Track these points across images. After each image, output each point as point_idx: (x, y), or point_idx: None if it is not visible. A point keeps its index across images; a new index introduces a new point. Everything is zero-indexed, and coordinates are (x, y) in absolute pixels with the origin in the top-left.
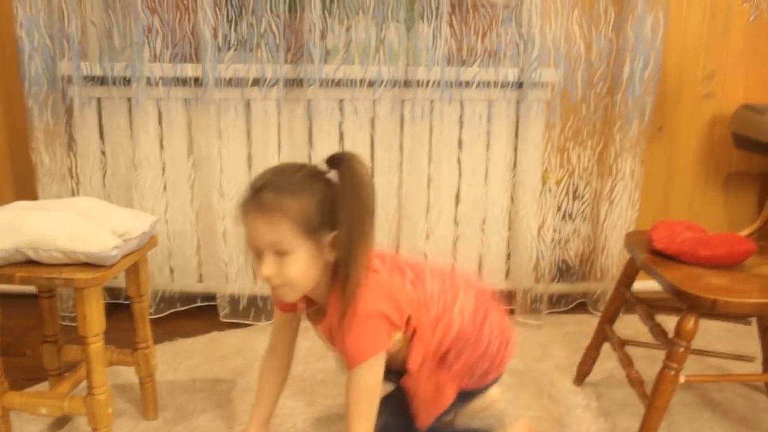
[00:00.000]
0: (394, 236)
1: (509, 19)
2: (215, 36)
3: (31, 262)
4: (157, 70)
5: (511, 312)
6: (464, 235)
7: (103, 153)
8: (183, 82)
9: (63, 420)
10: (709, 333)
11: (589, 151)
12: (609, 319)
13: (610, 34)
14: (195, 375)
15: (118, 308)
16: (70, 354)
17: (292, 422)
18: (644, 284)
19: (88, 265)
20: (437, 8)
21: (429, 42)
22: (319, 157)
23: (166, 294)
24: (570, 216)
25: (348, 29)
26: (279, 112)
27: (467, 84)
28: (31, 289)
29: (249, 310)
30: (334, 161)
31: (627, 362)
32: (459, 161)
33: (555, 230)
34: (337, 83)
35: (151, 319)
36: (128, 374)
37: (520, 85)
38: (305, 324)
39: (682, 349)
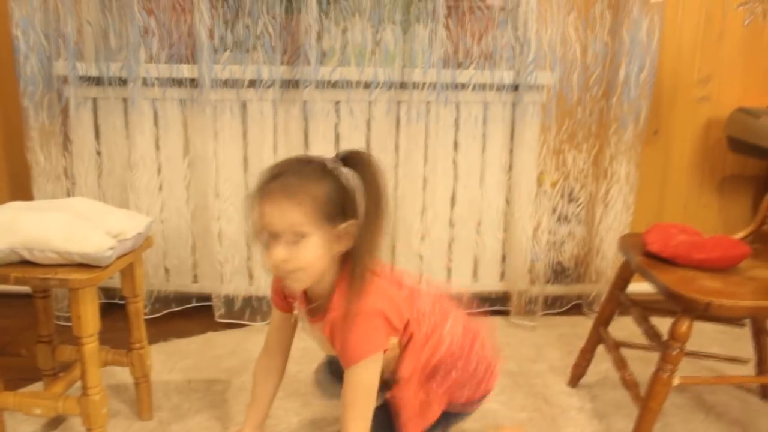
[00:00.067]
0: (389, 237)
1: (505, 22)
2: (211, 37)
3: (26, 263)
4: (153, 70)
5: (506, 314)
6: (459, 237)
7: (99, 153)
8: (179, 82)
9: (57, 420)
10: (704, 335)
11: (584, 153)
12: (604, 321)
13: (605, 37)
14: (190, 375)
15: (113, 308)
16: (65, 354)
17: (287, 423)
18: (639, 286)
19: (83, 265)
20: (433, 10)
21: (425, 44)
22: None
23: (162, 294)
24: (565, 218)
25: (344, 31)
26: (275, 114)
27: (463, 86)
28: (26, 288)
29: (244, 310)
30: (351, 159)
31: (621, 364)
32: (454, 163)
33: (550, 232)
34: (333, 85)
35: (146, 319)
36: (123, 374)
37: (515, 87)
38: (301, 324)
39: (676, 352)
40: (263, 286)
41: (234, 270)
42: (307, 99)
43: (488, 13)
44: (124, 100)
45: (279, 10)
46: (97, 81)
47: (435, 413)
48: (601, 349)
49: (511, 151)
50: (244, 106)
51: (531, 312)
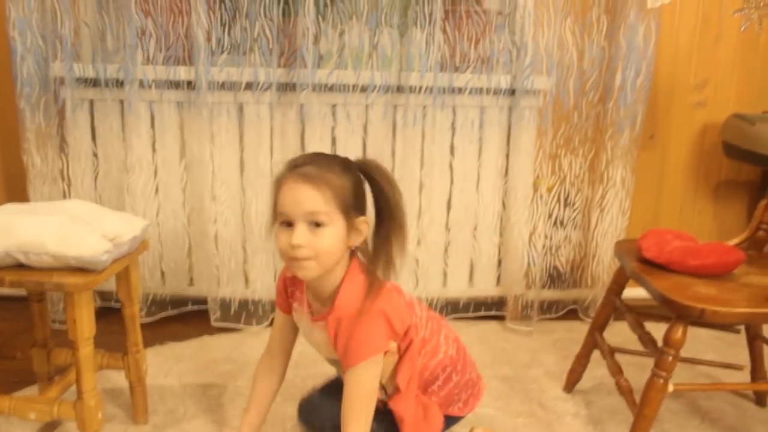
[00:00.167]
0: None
1: (502, 27)
2: (209, 39)
3: (21, 266)
4: (150, 72)
5: (502, 318)
6: (456, 241)
7: (95, 155)
8: (176, 85)
9: (52, 425)
10: (699, 340)
11: (580, 158)
12: (599, 326)
13: (602, 42)
14: (185, 379)
15: (109, 311)
16: (60, 357)
17: (282, 428)
18: (635, 291)
19: (79, 269)
20: (431, 14)
21: (422, 48)
22: None
23: (158, 297)
24: (561, 223)
25: (341, 34)
26: (272, 116)
27: (460, 90)
28: (21, 291)
29: (240, 314)
30: (363, 167)
31: (616, 370)
32: (451, 167)
33: (546, 237)
34: (330, 88)
35: (141, 323)
36: (118, 378)
37: (512, 92)
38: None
39: (670, 358)
40: (259, 290)
41: (230, 273)
42: (304, 102)
43: (485, 17)
44: (121, 102)
45: (276, 13)
46: (94, 83)
47: (439, 421)
48: (596, 354)
49: (507, 156)
50: (240, 108)
51: (527, 317)
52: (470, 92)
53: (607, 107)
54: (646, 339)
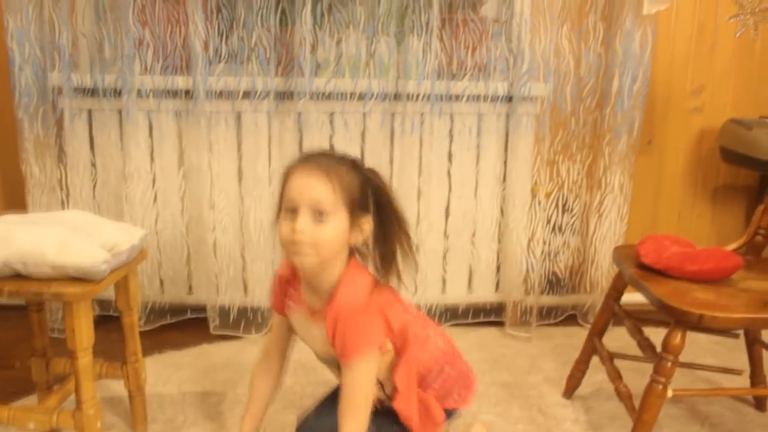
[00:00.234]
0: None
1: (499, 34)
2: (206, 48)
3: (20, 276)
4: (148, 82)
5: (501, 324)
6: (454, 248)
7: (94, 165)
8: (174, 94)
9: None
10: (698, 345)
11: (578, 164)
12: (598, 332)
13: (599, 49)
14: (185, 388)
15: (108, 320)
16: (59, 367)
17: None
18: (634, 296)
19: (78, 279)
20: (427, 22)
21: (419, 56)
22: None
23: (156, 306)
24: (559, 229)
25: (339, 43)
26: (269, 125)
27: (457, 98)
28: (20, 300)
29: (239, 322)
30: (370, 172)
31: (616, 375)
32: (449, 174)
33: (545, 243)
34: (328, 96)
35: (140, 331)
36: (117, 387)
37: (509, 99)
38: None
39: (669, 364)
40: (258, 298)
41: (229, 281)
42: (302, 110)
43: (482, 24)
44: (119, 111)
45: (273, 22)
46: (92, 92)
47: (440, 413)
48: (595, 360)
49: (505, 162)
50: (238, 117)
51: (526, 323)
52: (467, 99)
53: (605, 113)
54: (645, 344)
